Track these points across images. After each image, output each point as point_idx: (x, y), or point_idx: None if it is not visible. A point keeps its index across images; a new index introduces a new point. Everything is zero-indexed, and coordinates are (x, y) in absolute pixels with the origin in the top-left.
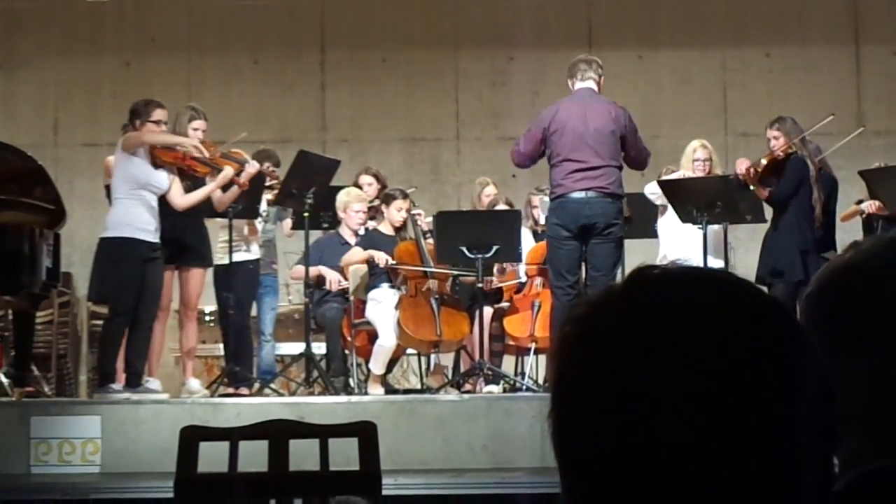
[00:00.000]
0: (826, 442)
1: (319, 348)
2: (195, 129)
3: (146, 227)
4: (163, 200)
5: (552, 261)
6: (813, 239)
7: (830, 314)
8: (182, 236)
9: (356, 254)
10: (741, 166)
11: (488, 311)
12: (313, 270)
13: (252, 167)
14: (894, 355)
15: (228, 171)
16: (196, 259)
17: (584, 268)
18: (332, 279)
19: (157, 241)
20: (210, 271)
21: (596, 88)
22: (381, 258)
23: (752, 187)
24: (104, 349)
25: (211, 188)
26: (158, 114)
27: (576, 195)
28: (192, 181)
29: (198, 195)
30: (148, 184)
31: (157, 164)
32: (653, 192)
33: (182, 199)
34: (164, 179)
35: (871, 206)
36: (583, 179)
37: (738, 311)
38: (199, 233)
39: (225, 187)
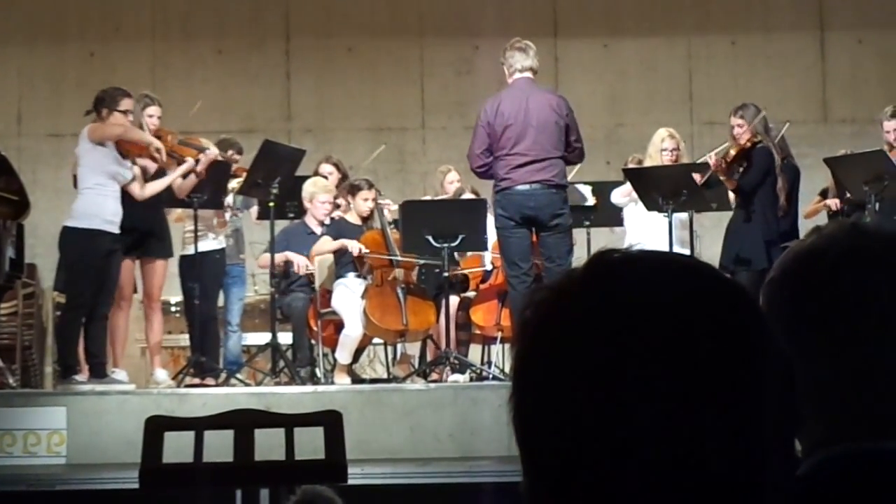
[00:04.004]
0: (788, 426)
1: (286, 338)
2: (150, 116)
3: (112, 219)
4: (122, 190)
5: (504, 251)
6: (777, 229)
7: (792, 299)
8: (142, 227)
9: (327, 243)
10: (712, 160)
11: (454, 300)
12: (280, 256)
13: (211, 153)
14: (855, 340)
15: (190, 161)
16: (157, 250)
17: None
18: (300, 263)
19: (119, 233)
20: (172, 262)
21: (533, 76)
22: (354, 247)
23: (721, 177)
24: (62, 341)
25: (171, 178)
26: (126, 103)
27: (521, 188)
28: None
29: (158, 185)
30: (116, 174)
31: (122, 154)
32: (620, 199)
33: (143, 189)
34: (128, 169)
35: (836, 202)
36: (527, 173)
37: (698, 295)
38: (159, 224)
39: (184, 175)
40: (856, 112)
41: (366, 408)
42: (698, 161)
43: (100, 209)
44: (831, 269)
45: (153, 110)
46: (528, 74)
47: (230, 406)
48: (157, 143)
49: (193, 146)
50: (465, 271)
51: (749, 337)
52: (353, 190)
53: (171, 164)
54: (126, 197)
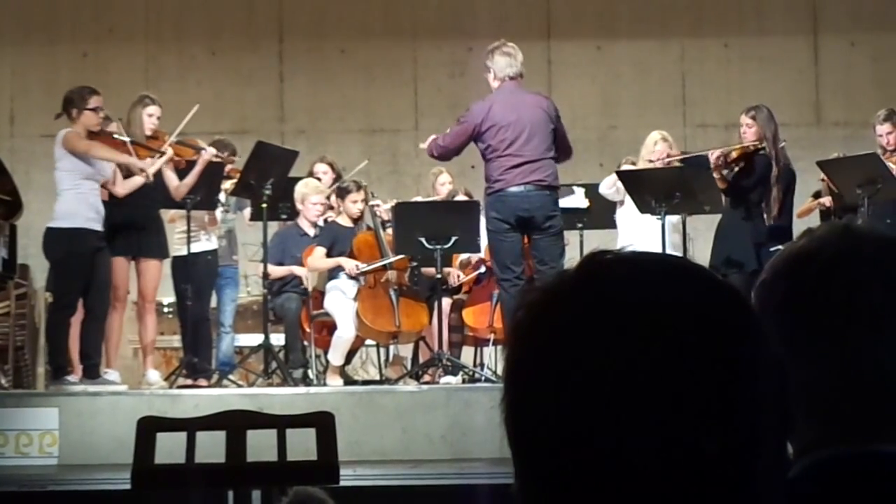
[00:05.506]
0: (780, 428)
1: (278, 339)
2: (150, 116)
3: (94, 217)
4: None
5: (496, 254)
6: (766, 231)
7: (784, 301)
8: (138, 228)
9: (321, 260)
10: (713, 155)
11: (447, 301)
12: (283, 270)
13: (207, 154)
14: (846, 342)
15: (169, 152)
16: (153, 250)
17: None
18: (305, 276)
19: (103, 230)
20: (167, 262)
21: (519, 80)
22: (351, 267)
23: (715, 175)
24: (52, 342)
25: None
26: (95, 101)
27: (514, 189)
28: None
29: (136, 181)
30: (94, 174)
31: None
32: (606, 190)
33: (121, 186)
34: (107, 167)
35: (829, 199)
36: (521, 174)
37: (691, 296)
38: (154, 224)
39: (180, 175)
40: (849, 115)
41: (358, 409)
42: (701, 152)
43: (81, 208)
44: (823, 271)
45: (153, 110)
46: (517, 78)
47: (222, 407)
48: (134, 161)
49: (191, 146)
50: (463, 279)
51: (742, 339)
52: (342, 193)
53: (145, 154)
54: (121, 197)
